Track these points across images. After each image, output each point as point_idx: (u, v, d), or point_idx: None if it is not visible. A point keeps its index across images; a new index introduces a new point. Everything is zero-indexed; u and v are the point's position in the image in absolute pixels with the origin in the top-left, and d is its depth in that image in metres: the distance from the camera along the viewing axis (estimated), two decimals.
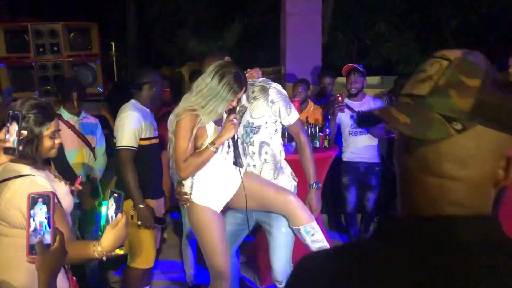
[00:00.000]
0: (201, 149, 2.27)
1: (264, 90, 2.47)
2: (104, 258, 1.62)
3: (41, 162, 1.82)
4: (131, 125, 2.70)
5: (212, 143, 2.24)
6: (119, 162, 2.72)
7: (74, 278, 1.94)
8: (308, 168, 2.60)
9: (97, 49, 4.43)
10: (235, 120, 2.24)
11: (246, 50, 9.24)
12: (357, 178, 4.02)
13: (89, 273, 3.42)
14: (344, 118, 3.91)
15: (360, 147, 3.94)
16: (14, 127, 1.70)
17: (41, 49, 4.18)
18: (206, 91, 2.19)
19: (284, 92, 2.56)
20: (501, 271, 0.61)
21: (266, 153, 2.49)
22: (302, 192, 2.61)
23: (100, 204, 3.35)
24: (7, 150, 1.68)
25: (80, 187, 2.04)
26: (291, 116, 2.53)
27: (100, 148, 3.34)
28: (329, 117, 3.89)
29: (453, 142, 0.65)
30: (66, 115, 3.14)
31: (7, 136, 1.67)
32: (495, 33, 10.04)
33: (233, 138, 2.35)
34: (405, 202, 0.73)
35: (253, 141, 2.48)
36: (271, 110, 2.47)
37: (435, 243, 0.65)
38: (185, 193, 2.35)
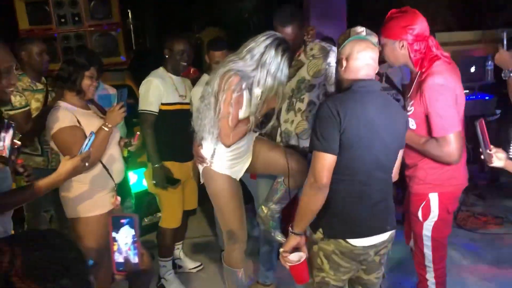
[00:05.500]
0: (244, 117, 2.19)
1: (325, 50, 2.44)
2: (109, 127, 2.26)
3: (82, 97, 2.32)
4: (149, 91, 2.81)
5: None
6: (140, 124, 2.91)
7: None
8: None
9: (118, 17, 4.38)
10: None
11: (267, 9, 8.98)
12: None
13: None
14: None
15: None
16: (9, 135, 1.72)
17: (62, 20, 4.15)
18: (264, 59, 2.08)
19: None
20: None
21: (310, 111, 2.46)
22: None
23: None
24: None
25: (135, 142, 2.52)
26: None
27: None
28: None
29: None
30: None
31: (1, 144, 1.71)
32: None
33: (273, 109, 2.33)
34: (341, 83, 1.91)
35: (303, 98, 2.44)
36: (326, 72, 2.44)
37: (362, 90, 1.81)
38: (203, 156, 2.32)
